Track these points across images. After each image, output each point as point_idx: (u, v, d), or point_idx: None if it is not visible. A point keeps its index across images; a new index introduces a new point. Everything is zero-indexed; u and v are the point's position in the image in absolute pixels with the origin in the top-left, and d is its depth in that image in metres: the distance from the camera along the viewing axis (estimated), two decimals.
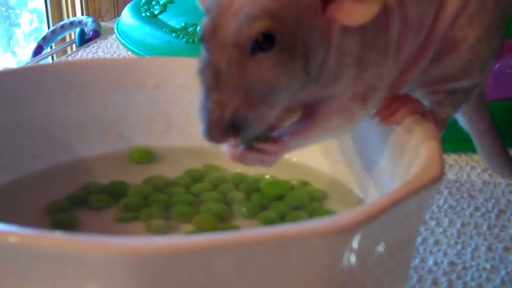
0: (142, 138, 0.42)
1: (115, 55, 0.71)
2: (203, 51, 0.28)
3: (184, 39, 0.65)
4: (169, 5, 0.78)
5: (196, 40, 0.64)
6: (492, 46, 0.34)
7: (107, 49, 0.74)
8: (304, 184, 0.39)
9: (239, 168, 0.40)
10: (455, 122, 0.40)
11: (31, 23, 1.79)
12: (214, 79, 0.27)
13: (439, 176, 0.26)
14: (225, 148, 0.32)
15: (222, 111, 0.27)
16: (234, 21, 0.27)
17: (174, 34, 0.67)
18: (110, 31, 0.81)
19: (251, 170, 0.40)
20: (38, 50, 0.85)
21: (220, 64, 0.27)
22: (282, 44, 0.27)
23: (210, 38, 0.28)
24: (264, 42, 0.27)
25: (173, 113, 0.42)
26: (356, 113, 0.31)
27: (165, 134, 0.42)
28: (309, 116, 0.32)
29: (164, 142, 0.42)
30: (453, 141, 0.46)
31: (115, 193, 0.38)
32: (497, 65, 0.57)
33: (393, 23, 0.30)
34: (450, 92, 0.34)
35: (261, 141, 0.31)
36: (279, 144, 0.31)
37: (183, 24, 0.70)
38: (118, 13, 1.35)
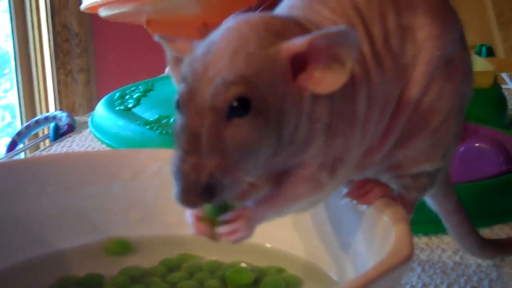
0: (118, 229, 0.42)
1: (89, 149, 0.72)
2: (179, 116, 0.29)
3: (158, 131, 0.67)
4: (142, 98, 0.80)
5: (170, 131, 0.66)
6: (454, 131, 0.35)
7: (81, 142, 0.75)
8: (279, 270, 0.39)
9: (214, 256, 0.41)
10: (424, 204, 0.41)
11: (4, 118, 1.80)
12: (190, 142, 0.28)
13: (410, 256, 0.27)
14: (191, 222, 0.31)
15: (198, 174, 0.27)
16: (210, 86, 0.28)
17: (148, 127, 0.68)
18: (84, 125, 0.82)
19: (227, 258, 0.40)
20: (12, 145, 0.85)
21: (196, 127, 0.28)
22: (257, 110, 0.28)
23: (187, 103, 0.28)
24: (240, 107, 0.28)
25: (148, 203, 0.43)
26: (324, 184, 0.32)
27: (141, 224, 0.43)
28: (277, 185, 0.32)
29: (140, 232, 0.43)
30: (423, 222, 0.47)
31: (91, 285, 0.38)
32: (461, 148, 0.59)
33: (360, 95, 0.31)
34: (415, 176, 0.36)
35: (227, 212, 0.30)
36: (246, 213, 0.31)
37: (156, 117, 0.71)
38: (91, 108, 1.37)
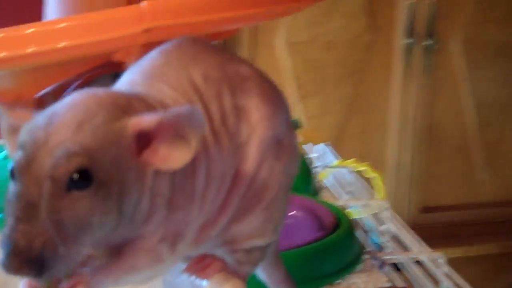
0: None
1: None
2: (13, 184, 0.28)
3: None
4: None
5: None
6: (282, 207, 0.38)
7: None
8: None
9: None
10: (253, 276, 0.43)
11: None
12: (24, 210, 0.27)
13: None
14: None
15: (30, 243, 0.27)
16: (51, 155, 0.28)
17: None
18: None
19: None
20: None
21: (32, 196, 0.27)
22: (98, 183, 0.28)
23: (23, 170, 0.28)
24: (80, 179, 0.28)
25: None
26: (163, 257, 0.32)
27: None
28: (116, 255, 0.32)
29: None
30: None
31: None
32: None
33: (199, 171, 0.33)
34: (248, 251, 0.38)
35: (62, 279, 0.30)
36: (83, 279, 0.30)
37: None
38: None
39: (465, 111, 1.63)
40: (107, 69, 0.72)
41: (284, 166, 0.37)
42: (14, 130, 0.33)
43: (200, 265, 0.36)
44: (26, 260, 0.27)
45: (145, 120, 0.30)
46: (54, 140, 0.28)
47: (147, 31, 0.61)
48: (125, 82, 0.36)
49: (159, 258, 0.33)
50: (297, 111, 1.67)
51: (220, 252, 0.37)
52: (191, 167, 0.32)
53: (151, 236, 0.32)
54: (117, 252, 0.32)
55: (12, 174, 0.29)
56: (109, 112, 0.30)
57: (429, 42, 1.59)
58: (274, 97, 0.37)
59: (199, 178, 0.33)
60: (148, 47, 0.65)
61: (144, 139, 0.30)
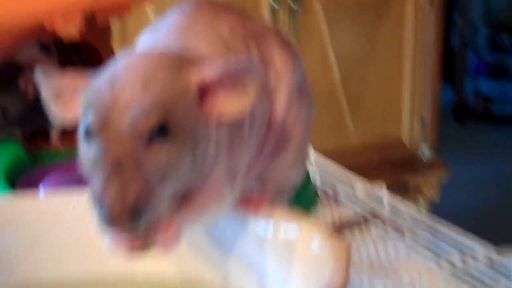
0: None
1: None
2: (89, 145, 0.30)
3: None
4: None
5: None
6: (307, 145, 0.43)
7: None
8: None
9: None
10: None
11: None
12: (113, 166, 0.29)
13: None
14: (118, 243, 0.33)
15: (124, 198, 0.29)
16: (127, 114, 0.30)
17: None
18: None
19: None
20: None
21: (118, 153, 0.29)
22: (174, 134, 0.31)
23: (100, 132, 0.30)
24: (159, 132, 0.30)
25: None
26: (226, 196, 0.36)
27: None
28: (190, 199, 0.34)
29: None
30: None
31: None
32: None
33: (246, 116, 0.36)
34: (280, 187, 0.42)
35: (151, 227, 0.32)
36: (174, 222, 0.33)
37: None
38: None
39: (331, 67, 1.75)
40: (41, 38, 0.73)
41: (306, 108, 0.42)
42: (57, 96, 0.35)
43: (249, 202, 0.40)
44: (123, 213, 0.29)
45: (206, 72, 0.32)
46: (124, 100, 0.30)
47: None
48: (154, 43, 0.37)
49: (223, 197, 0.36)
50: None
51: (256, 191, 0.42)
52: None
53: (217, 178, 0.35)
54: (189, 197, 0.34)
55: (87, 135, 0.31)
56: (169, 69, 0.32)
57: (294, 5, 1.67)
58: (290, 47, 0.41)
59: (246, 122, 0.36)
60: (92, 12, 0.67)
61: (204, 91, 0.33)
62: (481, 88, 3.96)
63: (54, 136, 0.75)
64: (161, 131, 0.30)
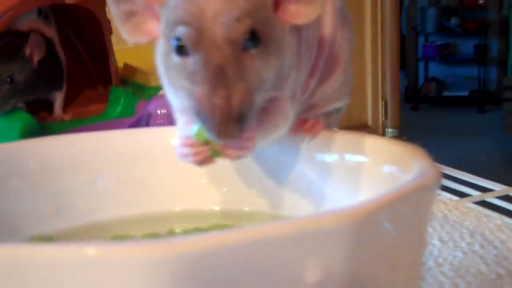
0: (36, 227, 0.39)
1: None
2: (188, 57, 0.30)
3: None
4: None
5: None
6: (351, 71, 0.42)
7: None
8: None
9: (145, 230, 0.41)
10: None
11: None
12: (214, 76, 0.29)
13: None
14: (189, 150, 0.33)
15: (230, 105, 0.29)
16: (221, 23, 0.29)
17: None
18: None
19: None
20: None
21: (218, 60, 0.29)
22: (263, 40, 0.31)
23: (198, 42, 0.30)
24: (252, 39, 0.30)
25: (58, 194, 0.40)
26: (289, 115, 0.36)
27: (57, 217, 0.40)
28: (261, 116, 0.34)
29: (58, 225, 0.40)
30: None
31: None
32: None
33: (302, 37, 0.36)
34: (328, 114, 0.42)
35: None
36: (251, 132, 0.33)
37: None
38: None
39: None
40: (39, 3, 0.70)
41: (349, 32, 0.41)
42: (129, 15, 0.34)
43: (305, 125, 0.39)
44: (232, 122, 0.29)
45: None
46: (212, 10, 0.30)
47: None
48: None
49: (288, 117, 0.36)
50: None
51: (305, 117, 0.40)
52: (297, 32, 0.35)
53: (284, 96, 0.35)
54: (261, 112, 0.34)
55: (182, 49, 0.30)
56: None
57: None
58: None
59: (301, 42, 0.36)
60: None
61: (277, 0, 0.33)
62: (432, 72, 4.06)
63: (58, 107, 0.72)
64: (252, 39, 0.30)
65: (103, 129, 0.64)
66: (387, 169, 0.33)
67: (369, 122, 1.97)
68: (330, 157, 0.39)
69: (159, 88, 0.74)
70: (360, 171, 0.36)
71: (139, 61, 0.87)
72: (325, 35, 0.40)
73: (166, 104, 0.65)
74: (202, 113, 0.29)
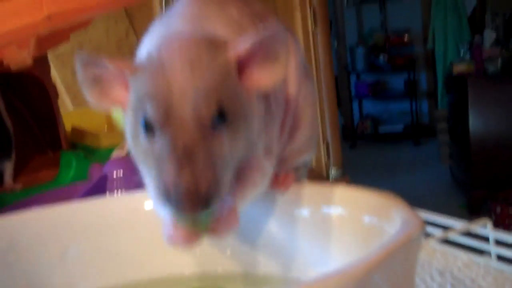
0: None
1: None
2: (156, 137, 0.30)
3: None
4: None
5: None
6: (317, 129, 0.43)
7: None
8: None
9: None
10: None
11: None
12: (183, 155, 0.29)
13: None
14: (176, 234, 0.32)
15: (197, 183, 0.28)
16: (187, 104, 0.29)
17: None
18: None
19: None
20: None
21: (186, 141, 0.29)
22: (232, 115, 0.30)
23: (165, 121, 0.29)
24: (219, 116, 0.30)
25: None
26: (267, 171, 0.36)
27: None
28: (238, 179, 0.34)
29: None
30: None
31: None
32: None
33: (271, 95, 0.36)
34: (297, 168, 0.42)
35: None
36: (231, 206, 0.32)
37: None
38: None
39: None
40: None
41: (311, 87, 0.42)
42: (96, 81, 0.33)
43: (279, 180, 0.39)
44: (199, 201, 0.29)
45: (241, 45, 0.32)
46: (178, 89, 0.30)
47: (48, 17, 0.60)
48: (172, 30, 0.35)
49: (266, 173, 0.36)
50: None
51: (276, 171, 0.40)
52: (264, 93, 0.35)
53: (259, 154, 0.35)
54: (238, 178, 0.34)
55: (148, 128, 0.30)
56: (208, 50, 0.31)
57: None
58: (287, 29, 0.41)
59: (270, 102, 0.36)
60: (40, 39, 0.64)
61: (241, 66, 0.32)
62: (366, 109, 4.16)
63: (7, 177, 0.71)
64: (220, 116, 0.30)
65: (58, 196, 0.63)
66: (367, 219, 0.33)
67: (313, 164, 1.99)
68: (306, 211, 0.39)
69: (110, 149, 0.73)
70: (341, 223, 0.36)
71: (86, 123, 0.86)
72: (290, 92, 0.40)
73: (121, 165, 0.64)
74: (166, 193, 0.29)
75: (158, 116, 0.29)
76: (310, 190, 0.39)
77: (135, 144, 0.32)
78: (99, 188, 0.66)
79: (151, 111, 0.30)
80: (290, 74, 0.40)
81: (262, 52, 0.32)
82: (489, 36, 2.83)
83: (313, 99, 0.42)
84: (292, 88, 0.40)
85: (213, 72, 0.31)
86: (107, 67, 0.33)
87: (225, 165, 0.30)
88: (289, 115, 0.40)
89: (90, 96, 0.34)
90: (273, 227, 0.40)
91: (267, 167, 0.36)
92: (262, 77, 0.33)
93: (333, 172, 2.04)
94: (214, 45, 0.32)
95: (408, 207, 0.29)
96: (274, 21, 0.41)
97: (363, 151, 3.93)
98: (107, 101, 0.34)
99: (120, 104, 0.34)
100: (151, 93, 0.30)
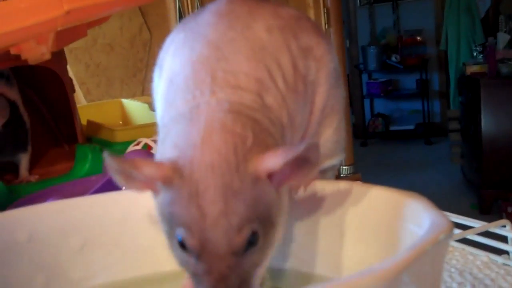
0: None
1: None
2: (191, 258, 0.31)
3: None
4: None
5: None
6: (344, 128, 0.43)
7: None
8: None
9: None
10: None
11: None
12: (217, 282, 0.30)
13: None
14: None
15: None
16: (221, 234, 0.30)
17: None
18: None
19: None
20: None
21: (221, 270, 0.30)
22: (263, 236, 0.31)
23: (202, 250, 0.30)
24: (252, 241, 0.31)
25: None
26: (279, 240, 0.35)
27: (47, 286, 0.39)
28: None
29: None
30: None
31: None
32: None
33: (286, 136, 0.36)
34: (323, 172, 0.42)
35: None
36: None
37: None
38: None
39: None
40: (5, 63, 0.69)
41: (342, 91, 0.42)
42: (129, 179, 0.32)
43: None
44: None
45: (271, 163, 0.31)
46: (213, 215, 0.30)
47: (67, 13, 0.61)
48: (192, 65, 0.35)
49: (279, 241, 0.35)
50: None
51: None
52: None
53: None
54: None
55: (191, 254, 0.31)
56: (240, 169, 0.31)
57: None
58: (322, 31, 0.41)
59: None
60: (58, 34, 0.64)
61: (272, 173, 0.32)
62: (378, 108, 4.14)
63: (23, 169, 0.71)
64: (253, 239, 0.31)
65: (72, 189, 0.63)
66: (394, 220, 0.33)
67: None
68: (331, 210, 0.38)
69: (125, 143, 0.73)
70: (367, 223, 0.36)
71: (102, 117, 0.87)
72: (318, 100, 0.40)
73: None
74: None
75: (193, 246, 0.31)
76: (336, 189, 0.38)
77: (170, 245, 0.33)
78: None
79: (186, 238, 0.31)
80: (320, 84, 0.39)
81: (295, 164, 0.32)
82: (503, 38, 2.82)
83: (341, 106, 0.42)
84: (321, 98, 0.40)
85: (245, 197, 0.31)
86: (139, 175, 0.32)
87: (255, 273, 0.32)
88: (314, 122, 0.40)
89: (119, 181, 0.33)
90: (296, 226, 0.40)
91: (279, 239, 0.34)
92: (294, 181, 0.33)
93: (344, 169, 2.03)
94: (245, 158, 0.31)
95: (435, 207, 0.29)
96: (309, 29, 0.39)
97: (374, 149, 3.92)
98: (137, 187, 0.33)
99: (149, 189, 0.33)
100: (185, 220, 0.31)
